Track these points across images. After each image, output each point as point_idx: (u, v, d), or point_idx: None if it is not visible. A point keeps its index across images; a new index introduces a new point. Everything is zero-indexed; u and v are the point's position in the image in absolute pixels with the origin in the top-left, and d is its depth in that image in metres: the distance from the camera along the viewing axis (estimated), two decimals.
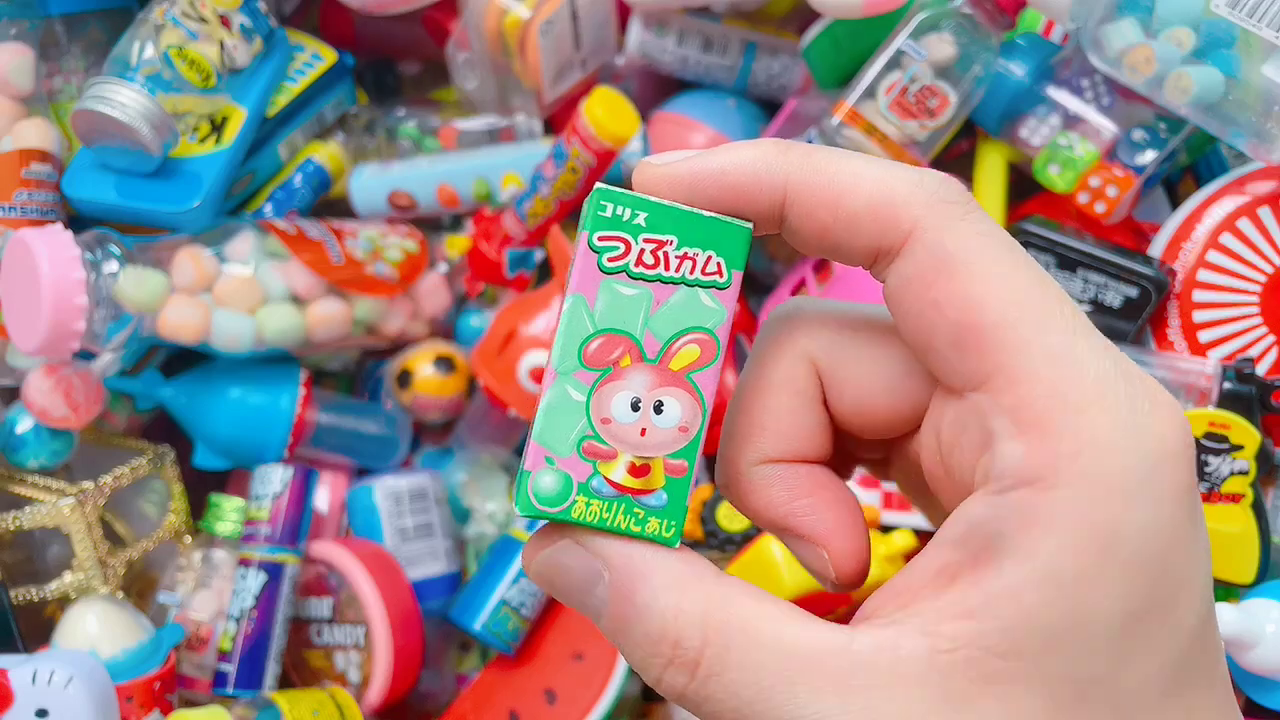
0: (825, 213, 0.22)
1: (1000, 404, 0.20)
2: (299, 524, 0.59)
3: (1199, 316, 0.53)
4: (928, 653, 0.20)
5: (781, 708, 0.20)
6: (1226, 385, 0.50)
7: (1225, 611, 0.45)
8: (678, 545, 0.22)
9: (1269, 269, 0.52)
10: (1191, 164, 0.59)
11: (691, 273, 0.23)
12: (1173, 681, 0.20)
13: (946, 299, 0.20)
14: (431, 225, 0.68)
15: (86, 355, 0.58)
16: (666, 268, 0.23)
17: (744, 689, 0.20)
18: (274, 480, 0.59)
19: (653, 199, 0.23)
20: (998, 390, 0.20)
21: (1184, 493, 0.20)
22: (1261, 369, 0.52)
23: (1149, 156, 0.53)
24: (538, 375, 0.59)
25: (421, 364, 0.64)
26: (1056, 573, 0.19)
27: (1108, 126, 0.54)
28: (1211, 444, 0.50)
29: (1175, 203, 0.58)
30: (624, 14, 0.66)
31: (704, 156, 0.24)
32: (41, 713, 0.48)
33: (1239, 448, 0.49)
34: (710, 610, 0.21)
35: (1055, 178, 0.55)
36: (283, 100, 0.62)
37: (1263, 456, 0.49)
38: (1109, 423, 0.19)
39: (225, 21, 0.58)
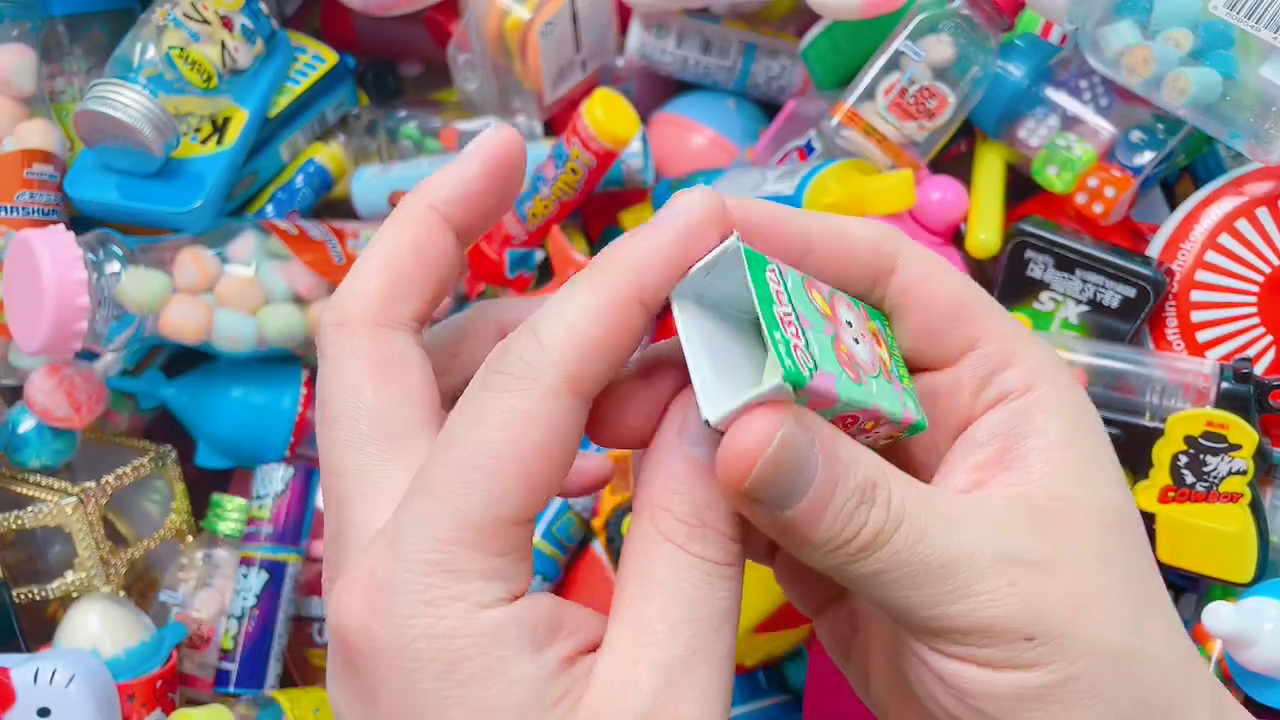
0: (838, 253, 0.29)
1: (989, 352, 0.29)
2: (301, 523, 0.59)
3: (1197, 316, 0.53)
4: (1008, 504, 0.27)
5: (947, 533, 0.26)
6: (1224, 385, 0.50)
7: (1223, 610, 0.45)
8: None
9: (1267, 269, 0.52)
10: (1189, 165, 0.59)
11: None
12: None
13: (944, 291, 0.29)
14: None
15: (89, 355, 0.58)
16: None
17: (920, 519, 0.25)
18: (276, 479, 0.59)
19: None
20: (989, 343, 0.29)
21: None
22: (1259, 369, 0.52)
23: (1147, 157, 0.54)
24: None
25: None
26: (1065, 437, 0.28)
27: (1106, 127, 0.54)
28: (1209, 443, 0.50)
29: (1173, 203, 0.58)
30: (624, 16, 0.66)
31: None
32: (43, 712, 0.48)
33: (1237, 447, 0.49)
34: (881, 463, 0.26)
35: (1053, 178, 0.55)
36: (284, 101, 0.62)
37: (1260, 456, 0.49)
38: (1046, 349, 0.30)
39: (227, 23, 0.58)
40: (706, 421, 0.24)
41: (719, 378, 0.25)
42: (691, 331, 0.26)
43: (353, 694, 0.25)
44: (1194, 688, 0.28)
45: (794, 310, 0.25)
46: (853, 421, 0.27)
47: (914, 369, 0.30)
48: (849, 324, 0.28)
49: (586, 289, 0.25)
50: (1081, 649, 0.26)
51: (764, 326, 0.24)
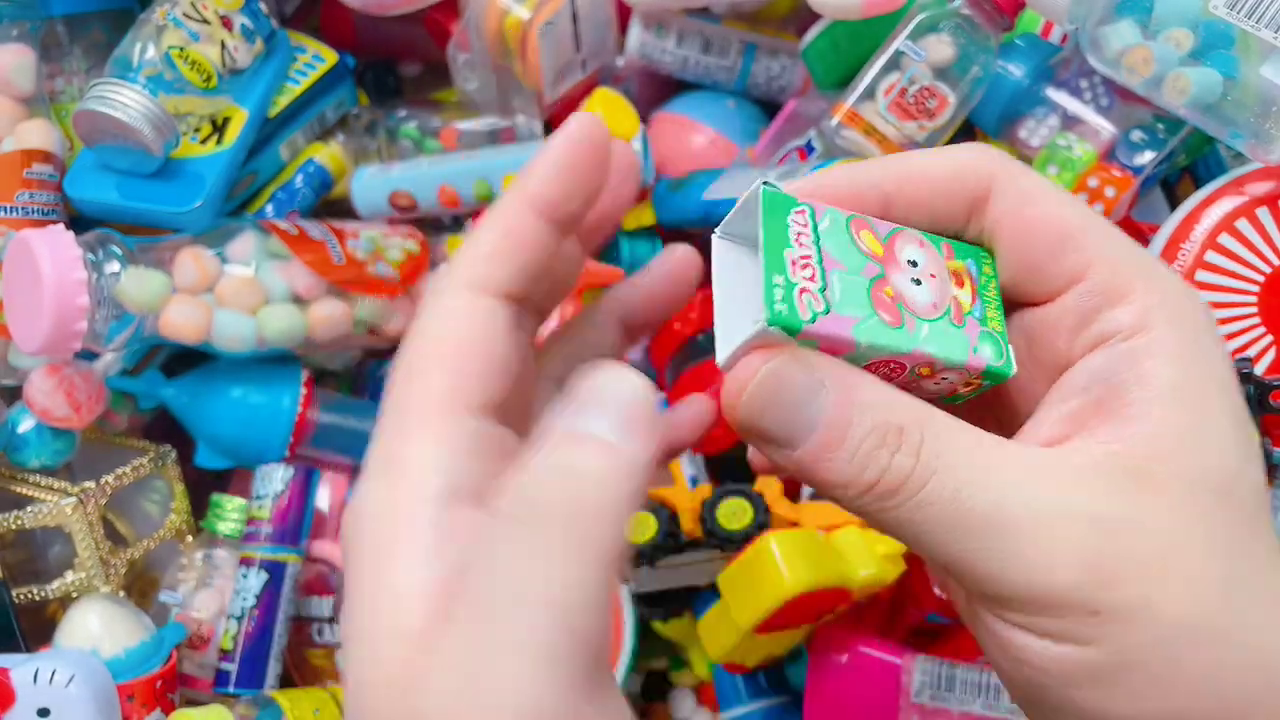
0: (919, 199, 0.28)
1: (1096, 284, 0.26)
2: (300, 523, 0.59)
3: None
4: (1094, 460, 0.24)
5: (984, 491, 0.24)
6: None
7: None
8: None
9: (1267, 269, 0.52)
10: (1190, 165, 0.59)
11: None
12: (1264, 501, 0.25)
13: (1042, 217, 0.27)
14: (433, 226, 0.68)
15: (88, 355, 0.58)
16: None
17: (962, 469, 0.24)
18: (275, 480, 0.59)
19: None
20: (1097, 274, 0.26)
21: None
22: (1259, 369, 0.52)
23: (1147, 157, 0.54)
24: None
25: None
26: (1176, 389, 0.25)
27: (1106, 127, 0.54)
28: None
29: (1173, 203, 0.58)
30: (624, 15, 0.66)
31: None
32: (43, 712, 0.48)
33: None
34: (919, 409, 0.25)
35: (1054, 178, 0.55)
36: (284, 101, 0.62)
37: (1261, 456, 0.49)
38: (1173, 284, 0.26)
39: (227, 23, 0.58)
40: (720, 367, 0.25)
41: (736, 324, 0.26)
42: (723, 275, 0.27)
43: None
44: None
45: (818, 252, 0.25)
46: (899, 369, 0.26)
47: (1019, 305, 0.28)
48: (912, 264, 0.26)
49: (492, 208, 0.28)
50: (1154, 628, 0.23)
51: (763, 269, 0.24)
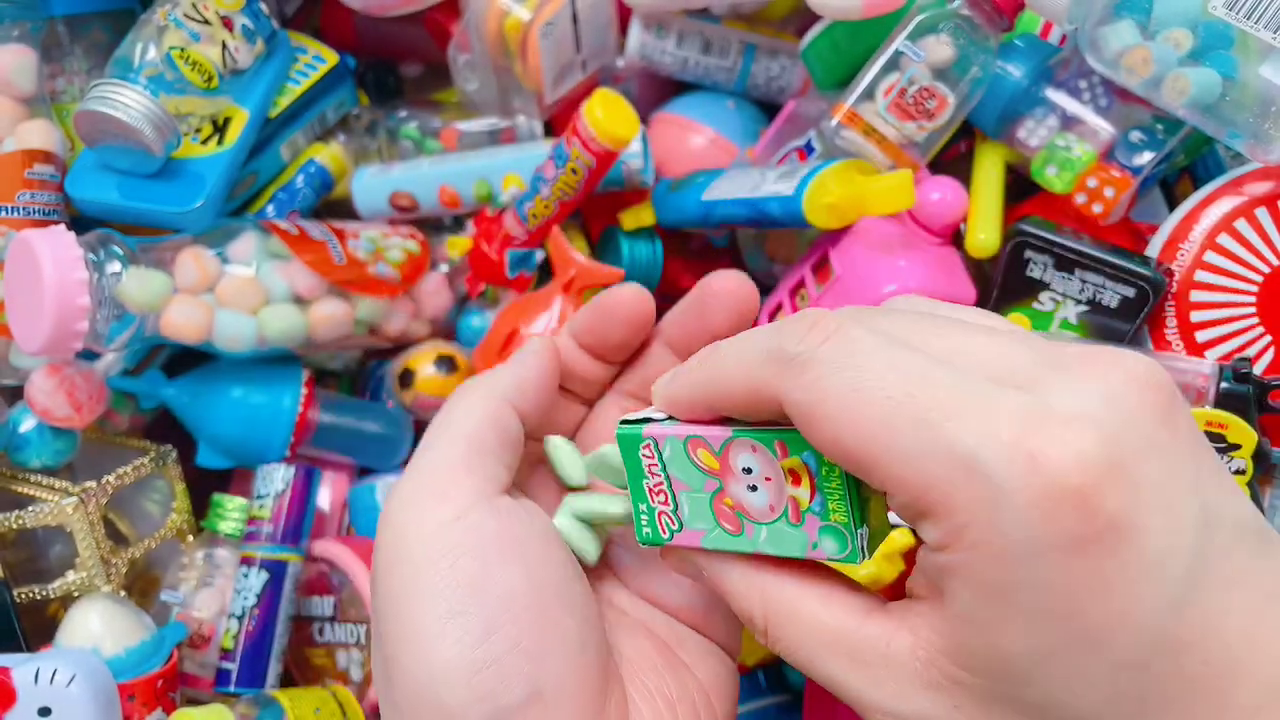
0: (737, 407, 0.29)
1: (904, 504, 0.24)
2: (301, 523, 0.59)
3: (1196, 316, 0.53)
4: (910, 650, 0.25)
5: (821, 669, 0.28)
6: (1224, 385, 0.50)
7: None
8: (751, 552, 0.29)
9: (1266, 269, 0.52)
10: (1189, 165, 0.59)
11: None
12: (1136, 706, 0.23)
13: (833, 441, 0.25)
14: (433, 226, 0.68)
15: (89, 355, 0.59)
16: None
17: (796, 651, 0.28)
18: (276, 479, 0.59)
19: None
20: (898, 493, 0.24)
21: (1076, 538, 0.22)
22: (1258, 369, 0.52)
23: (1146, 157, 0.54)
24: None
25: (423, 364, 0.64)
26: (972, 616, 0.24)
27: (1105, 127, 0.54)
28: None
29: (1172, 203, 0.58)
30: (624, 16, 0.66)
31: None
32: (44, 711, 0.48)
33: (1236, 447, 0.49)
34: (767, 592, 0.29)
35: (1053, 178, 0.55)
36: (285, 101, 0.62)
37: (1260, 456, 0.50)
38: (987, 496, 0.23)
39: (227, 23, 0.58)
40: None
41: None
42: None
43: None
44: None
45: (666, 478, 0.30)
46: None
47: None
48: (747, 470, 0.28)
49: (472, 396, 0.34)
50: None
51: (630, 501, 0.31)
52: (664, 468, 0.30)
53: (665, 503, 0.30)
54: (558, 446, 0.36)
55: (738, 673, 0.36)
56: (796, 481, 0.27)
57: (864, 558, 0.27)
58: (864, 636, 0.27)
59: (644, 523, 0.31)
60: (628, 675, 0.33)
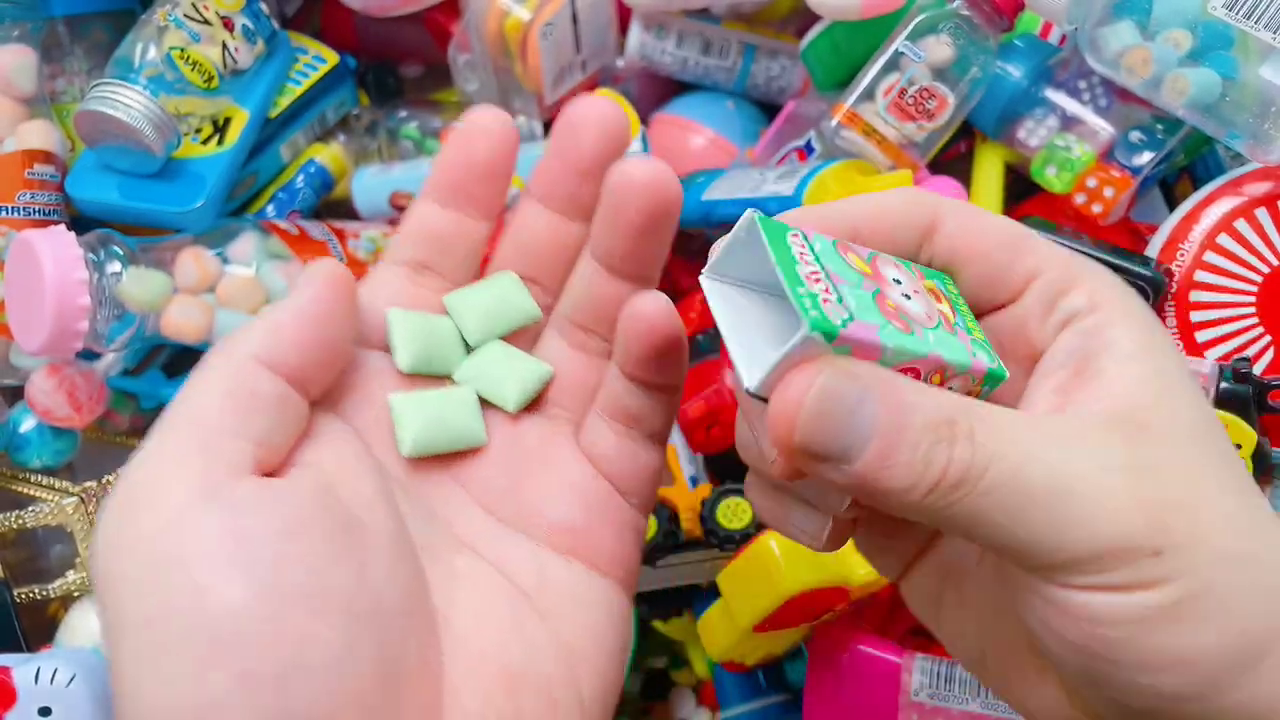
0: (882, 228, 0.30)
1: (1050, 278, 0.28)
2: None
3: (1196, 317, 0.53)
4: (1097, 421, 0.26)
5: (1046, 458, 0.25)
6: (1223, 385, 0.50)
7: None
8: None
9: (1265, 269, 0.52)
10: (1188, 165, 0.59)
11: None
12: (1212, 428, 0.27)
13: (993, 229, 0.29)
14: None
15: (89, 355, 0.59)
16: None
17: (1014, 448, 0.25)
18: None
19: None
20: (1050, 270, 0.29)
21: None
22: (1258, 369, 0.52)
23: (1146, 158, 0.54)
24: None
25: None
26: (1138, 348, 0.27)
27: (1105, 128, 0.55)
28: None
29: (1172, 204, 0.58)
30: (624, 16, 0.66)
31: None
32: (45, 711, 0.48)
33: (1236, 447, 0.49)
34: (957, 400, 0.26)
35: (1053, 179, 0.55)
36: (285, 102, 0.62)
37: (1259, 456, 0.50)
38: (1104, 271, 0.29)
39: (228, 23, 0.58)
40: (748, 392, 0.25)
41: (756, 348, 0.26)
42: (724, 310, 0.27)
43: None
44: None
45: (823, 269, 0.26)
46: (913, 374, 0.26)
47: (981, 315, 0.30)
48: (897, 281, 0.27)
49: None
50: (1206, 559, 0.25)
51: (784, 285, 0.24)
52: (817, 259, 0.26)
53: (827, 291, 0.25)
54: (391, 321, 0.32)
55: (629, 612, 0.32)
56: (938, 300, 0.28)
57: (1006, 372, 0.28)
58: (1055, 420, 0.27)
59: (808, 307, 0.24)
60: (452, 650, 0.28)
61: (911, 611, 0.33)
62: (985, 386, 0.28)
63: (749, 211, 0.26)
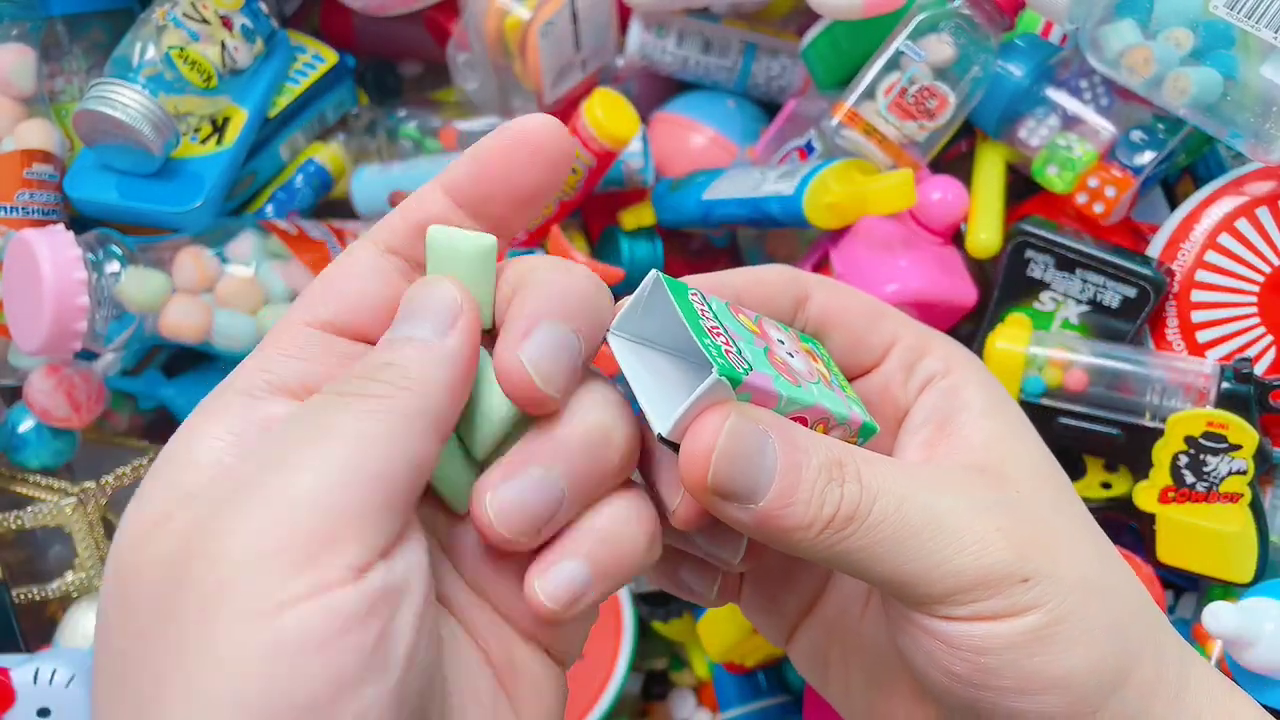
0: (761, 295, 0.32)
1: (909, 344, 0.33)
2: None
3: (1197, 316, 0.53)
4: (958, 468, 0.30)
5: (923, 495, 0.27)
6: (1225, 385, 0.50)
7: (1224, 611, 0.45)
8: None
9: (1267, 269, 0.52)
10: (1190, 165, 0.59)
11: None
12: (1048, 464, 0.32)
13: (857, 302, 0.33)
14: None
15: (88, 355, 0.58)
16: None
17: (895, 487, 0.27)
18: None
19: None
20: (906, 337, 0.33)
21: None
22: (1259, 369, 0.52)
23: (1147, 157, 0.54)
24: None
25: None
26: (988, 407, 0.31)
27: (1106, 127, 0.54)
28: (1210, 443, 0.50)
29: (1173, 203, 0.58)
30: (624, 15, 0.66)
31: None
32: (43, 712, 0.48)
33: (1237, 447, 0.49)
34: (842, 443, 0.28)
35: (1054, 178, 0.55)
36: (284, 101, 0.62)
37: (1261, 456, 0.49)
38: (948, 339, 0.34)
39: (227, 23, 0.58)
40: (660, 437, 0.26)
41: (663, 397, 0.27)
42: (630, 361, 0.28)
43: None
44: (1161, 620, 0.30)
45: (721, 325, 0.28)
46: (804, 423, 0.28)
47: (850, 379, 0.33)
48: (781, 341, 0.30)
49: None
50: (1069, 587, 0.27)
51: (692, 335, 0.26)
52: (716, 316, 0.28)
53: (728, 344, 0.27)
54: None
55: (565, 691, 0.30)
56: (815, 360, 0.31)
57: (878, 426, 0.31)
58: (925, 465, 0.30)
59: (715, 355, 0.25)
60: None
61: (800, 674, 0.36)
62: (860, 439, 0.30)
63: (652, 272, 0.28)
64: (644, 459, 0.29)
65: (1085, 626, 0.27)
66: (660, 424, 0.26)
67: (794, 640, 0.35)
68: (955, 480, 0.29)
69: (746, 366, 0.26)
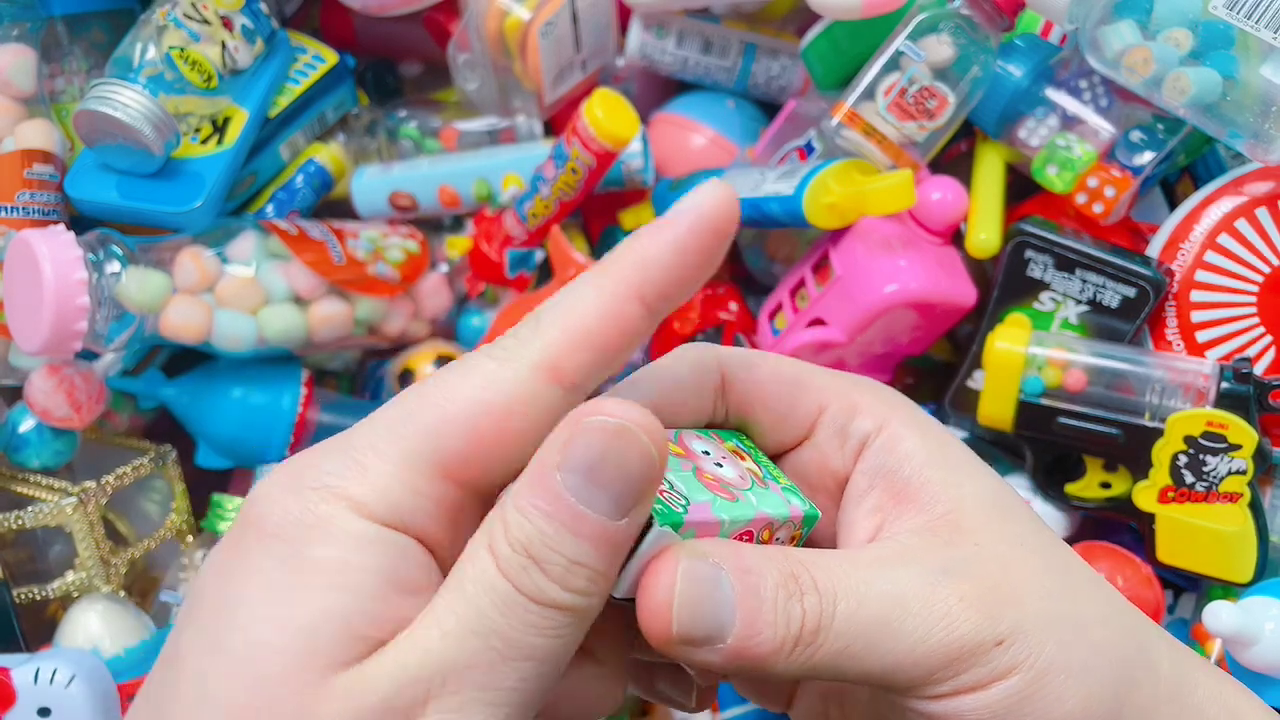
0: (676, 398, 0.30)
1: (835, 410, 0.30)
2: None
3: (1197, 317, 0.53)
4: (913, 535, 0.28)
5: (879, 588, 0.26)
6: (1224, 385, 0.50)
7: (1224, 610, 0.45)
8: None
9: (1266, 269, 0.52)
10: (1189, 165, 0.59)
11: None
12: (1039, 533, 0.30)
13: (771, 377, 0.30)
14: (432, 226, 0.68)
15: (89, 355, 0.58)
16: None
17: (851, 587, 0.26)
18: None
19: None
20: (832, 402, 0.30)
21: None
22: (1259, 369, 0.52)
23: (1147, 157, 0.54)
24: None
25: (423, 364, 0.64)
26: (928, 452, 0.29)
27: (1106, 127, 0.54)
28: (1209, 443, 0.50)
29: (1173, 203, 0.58)
30: (624, 16, 0.66)
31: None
32: (44, 711, 0.48)
33: (1237, 447, 0.49)
34: (787, 553, 0.27)
35: (1053, 178, 0.55)
36: (284, 101, 0.62)
37: (1260, 456, 0.49)
38: (877, 386, 0.31)
39: (227, 23, 0.58)
40: (613, 599, 0.25)
41: None
42: None
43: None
44: (1145, 627, 0.29)
45: None
46: (748, 537, 0.28)
47: (782, 456, 0.32)
48: (706, 453, 0.29)
49: (589, 284, 0.25)
50: (1044, 634, 0.27)
51: None
52: None
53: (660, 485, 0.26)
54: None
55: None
56: (742, 459, 0.30)
57: (819, 511, 0.30)
58: (875, 548, 0.28)
59: (656, 509, 0.25)
60: None
61: None
62: (804, 529, 0.30)
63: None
64: None
65: (1070, 672, 0.27)
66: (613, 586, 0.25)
67: (794, 707, 0.35)
68: (909, 554, 0.28)
69: (684, 502, 0.26)
